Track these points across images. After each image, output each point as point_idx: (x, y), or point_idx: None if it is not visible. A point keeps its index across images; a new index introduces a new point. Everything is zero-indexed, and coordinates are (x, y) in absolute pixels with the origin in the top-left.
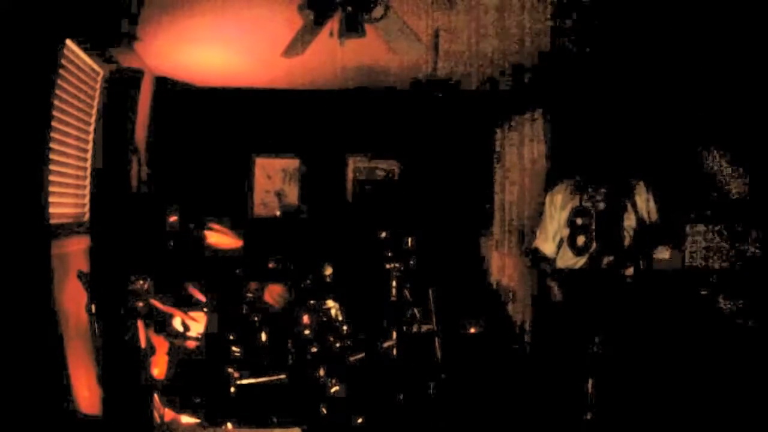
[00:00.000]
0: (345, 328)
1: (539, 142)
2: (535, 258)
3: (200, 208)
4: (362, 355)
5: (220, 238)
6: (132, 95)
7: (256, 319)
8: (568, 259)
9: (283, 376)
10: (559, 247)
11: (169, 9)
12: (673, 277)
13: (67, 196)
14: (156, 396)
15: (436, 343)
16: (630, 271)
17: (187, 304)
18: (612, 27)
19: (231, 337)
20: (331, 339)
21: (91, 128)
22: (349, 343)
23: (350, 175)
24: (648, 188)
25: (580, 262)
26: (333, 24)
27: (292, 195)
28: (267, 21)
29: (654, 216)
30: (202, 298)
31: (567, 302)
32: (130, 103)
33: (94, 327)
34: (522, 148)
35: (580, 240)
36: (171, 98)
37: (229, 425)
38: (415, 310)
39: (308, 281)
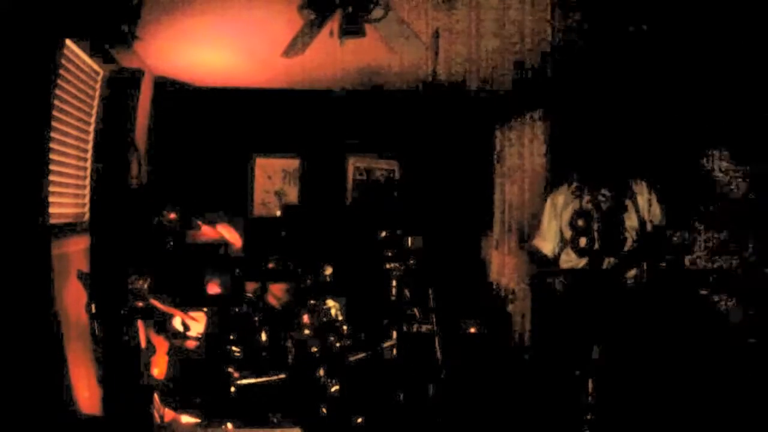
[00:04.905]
0: (345, 328)
1: (539, 142)
2: (534, 257)
3: (200, 208)
4: (362, 355)
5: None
6: (132, 95)
7: (256, 319)
8: (570, 261)
9: (283, 376)
10: (560, 248)
11: (169, 9)
12: (673, 277)
13: (67, 196)
14: (156, 396)
15: (436, 343)
16: (632, 272)
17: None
18: (612, 26)
19: (231, 337)
20: (331, 339)
21: (91, 128)
22: (349, 343)
23: (350, 175)
24: (650, 189)
25: (582, 262)
26: (333, 24)
27: (292, 195)
28: (267, 21)
29: (658, 217)
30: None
31: (568, 302)
32: (130, 103)
33: (94, 327)
34: (522, 148)
35: (582, 241)
36: (171, 98)
37: (229, 425)
38: (415, 310)
39: (308, 281)
